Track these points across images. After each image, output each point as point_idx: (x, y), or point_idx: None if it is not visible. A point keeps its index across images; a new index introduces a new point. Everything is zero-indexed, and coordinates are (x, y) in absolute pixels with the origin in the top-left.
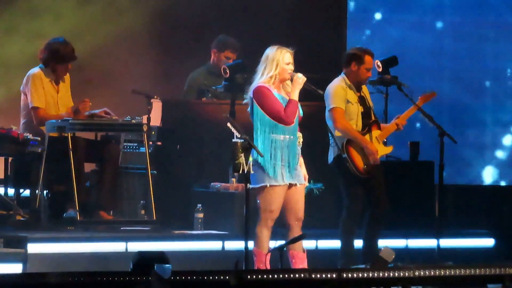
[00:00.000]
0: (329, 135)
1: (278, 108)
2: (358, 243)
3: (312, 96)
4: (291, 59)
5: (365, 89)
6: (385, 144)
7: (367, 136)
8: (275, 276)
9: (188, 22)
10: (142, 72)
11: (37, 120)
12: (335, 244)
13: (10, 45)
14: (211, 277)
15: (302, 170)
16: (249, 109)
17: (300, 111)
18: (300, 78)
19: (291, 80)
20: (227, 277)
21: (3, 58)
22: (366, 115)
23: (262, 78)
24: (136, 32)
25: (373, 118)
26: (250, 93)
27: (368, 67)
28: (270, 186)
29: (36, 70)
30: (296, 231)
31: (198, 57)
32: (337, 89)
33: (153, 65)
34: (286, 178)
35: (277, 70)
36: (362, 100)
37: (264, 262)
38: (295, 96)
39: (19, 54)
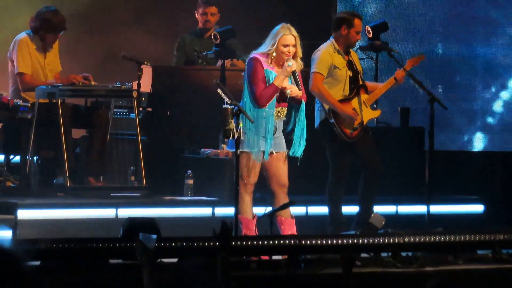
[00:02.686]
0: (316, 99)
1: (257, 86)
2: (347, 209)
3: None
4: (293, 42)
5: (353, 53)
6: (374, 108)
7: (355, 100)
8: (260, 242)
9: None
10: (132, 38)
11: (22, 86)
12: (326, 210)
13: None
14: (200, 243)
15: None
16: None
17: (298, 84)
18: (289, 67)
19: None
20: (216, 244)
21: None
22: (354, 79)
23: (260, 50)
24: None
25: (360, 82)
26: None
27: (357, 30)
28: (242, 152)
29: (22, 35)
30: (282, 197)
31: (188, 23)
32: (323, 54)
33: (144, 31)
34: (258, 146)
35: (273, 48)
36: (350, 65)
37: (250, 229)
38: (278, 82)
39: (9, 21)
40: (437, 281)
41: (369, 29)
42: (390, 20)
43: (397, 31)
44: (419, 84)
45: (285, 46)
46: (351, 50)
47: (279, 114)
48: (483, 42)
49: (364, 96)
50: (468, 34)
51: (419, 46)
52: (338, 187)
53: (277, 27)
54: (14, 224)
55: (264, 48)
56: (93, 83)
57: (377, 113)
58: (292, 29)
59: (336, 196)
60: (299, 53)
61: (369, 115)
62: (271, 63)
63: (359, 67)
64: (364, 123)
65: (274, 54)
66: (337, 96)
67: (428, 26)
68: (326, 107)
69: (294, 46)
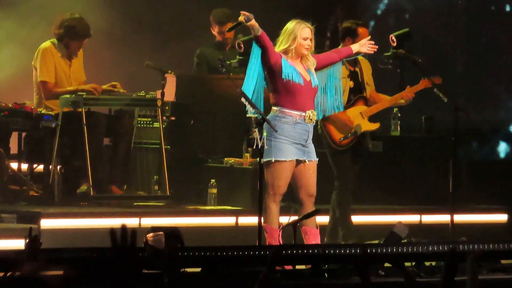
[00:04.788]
0: None
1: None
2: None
3: None
4: (310, 35)
5: (365, 63)
6: (373, 121)
7: (352, 110)
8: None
9: None
10: (156, 46)
11: (45, 95)
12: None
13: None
14: (224, 253)
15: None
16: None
17: (313, 80)
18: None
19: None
20: (240, 253)
21: (18, 34)
22: (355, 90)
23: (277, 49)
24: (151, 8)
25: (363, 94)
26: None
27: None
28: (276, 161)
29: (46, 44)
30: (309, 207)
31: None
32: None
33: (167, 40)
34: (293, 154)
35: (294, 45)
36: (353, 75)
37: (275, 238)
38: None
39: (33, 30)
40: None
41: (393, 38)
42: (413, 28)
43: (420, 40)
44: (443, 92)
45: (305, 39)
46: (364, 60)
47: (310, 117)
48: (507, 50)
49: (362, 108)
50: (491, 43)
51: (443, 55)
52: (344, 193)
53: (292, 24)
54: (38, 234)
55: (284, 45)
56: (121, 91)
57: (374, 126)
58: (307, 23)
59: (343, 202)
60: (313, 48)
61: (365, 126)
62: (289, 59)
63: (367, 77)
64: (358, 134)
65: (294, 51)
66: None
67: (452, 35)
68: None
69: (311, 39)
